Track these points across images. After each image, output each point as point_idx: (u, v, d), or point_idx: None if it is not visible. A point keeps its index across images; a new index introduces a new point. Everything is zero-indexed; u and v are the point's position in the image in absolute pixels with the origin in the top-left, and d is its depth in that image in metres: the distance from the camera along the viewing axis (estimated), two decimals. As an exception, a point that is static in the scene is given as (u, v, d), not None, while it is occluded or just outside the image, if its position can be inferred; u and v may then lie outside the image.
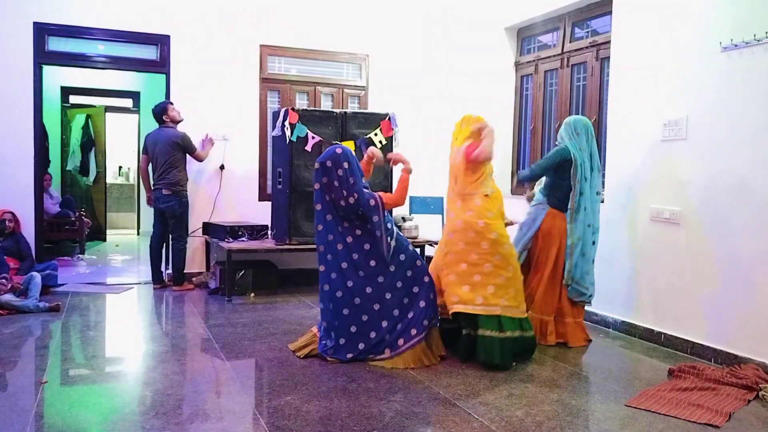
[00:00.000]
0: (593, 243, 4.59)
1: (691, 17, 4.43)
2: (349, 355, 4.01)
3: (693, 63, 4.40)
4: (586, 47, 5.63)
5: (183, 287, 6.33)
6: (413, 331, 4.02)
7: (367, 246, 4.04)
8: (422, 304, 4.07)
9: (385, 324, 4.02)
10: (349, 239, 4.05)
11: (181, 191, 6.26)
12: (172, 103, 6.36)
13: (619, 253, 5.01)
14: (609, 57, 5.19)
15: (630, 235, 4.91)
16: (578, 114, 5.78)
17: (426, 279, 4.13)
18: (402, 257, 4.10)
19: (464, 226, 4.08)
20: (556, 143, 4.75)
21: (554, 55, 6.05)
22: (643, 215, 4.78)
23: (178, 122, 6.31)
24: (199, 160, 6.43)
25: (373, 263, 4.04)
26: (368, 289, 4.02)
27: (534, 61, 6.33)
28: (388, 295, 4.04)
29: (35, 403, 3.26)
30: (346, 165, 3.99)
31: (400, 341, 4.01)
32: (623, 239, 4.97)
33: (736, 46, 4.07)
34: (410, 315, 4.05)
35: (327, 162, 4.01)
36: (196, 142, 6.38)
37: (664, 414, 3.26)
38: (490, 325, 3.96)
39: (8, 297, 5.20)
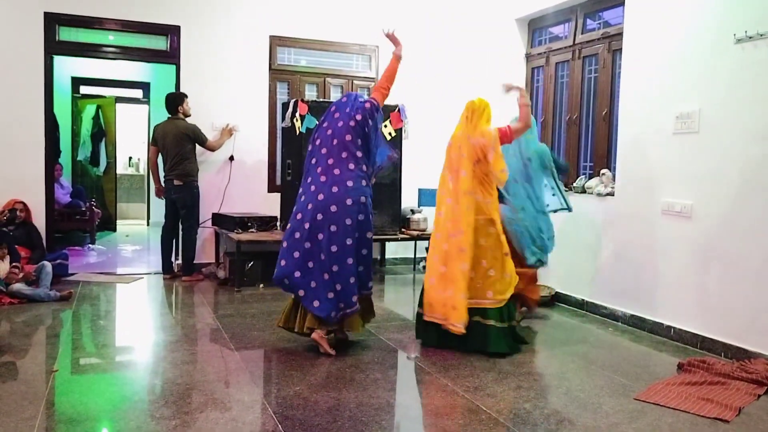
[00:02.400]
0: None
1: (704, 9, 4.38)
2: (286, 282, 3.93)
3: (706, 55, 4.35)
4: (598, 39, 5.59)
5: (193, 277, 6.35)
6: (353, 299, 3.94)
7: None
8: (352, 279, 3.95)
9: (326, 277, 3.88)
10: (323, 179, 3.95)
11: (192, 182, 6.28)
12: (187, 96, 6.36)
13: (629, 247, 4.99)
14: (621, 49, 5.15)
15: (641, 228, 4.88)
16: (591, 106, 5.75)
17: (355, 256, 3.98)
18: (361, 217, 3.92)
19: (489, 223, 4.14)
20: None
21: (566, 47, 6.00)
22: (654, 209, 4.75)
23: (188, 116, 6.32)
24: (212, 150, 6.44)
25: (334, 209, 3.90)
26: (320, 236, 3.88)
27: (545, 52, 6.29)
28: (333, 249, 3.88)
29: (46, 390, 3.29)
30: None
31: (341, 305, 3.91)
32: (634, 233, 4.94)
33: (750, 38, 4.02)
34: (350, 280, 3.92)
35: (342, 98, 4.19)
36: (205, 133, 6.38)
37: (673, 408, 3.25)
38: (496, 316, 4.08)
39: (20, 286, 5.24)
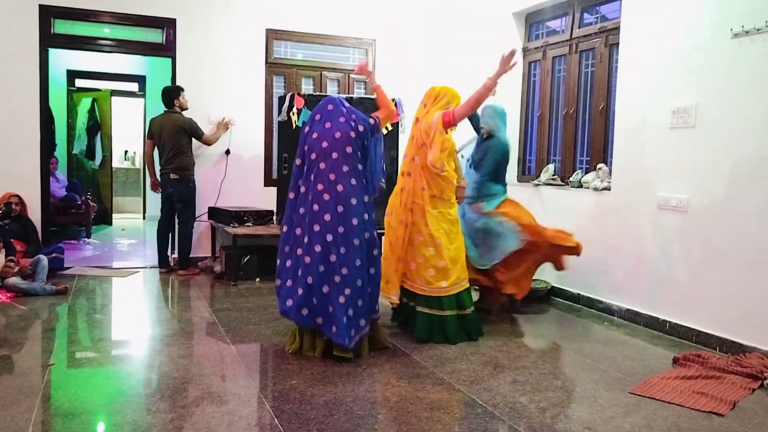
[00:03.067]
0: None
1: (701, 3, 4.38)
2: (289, 302, 3.78)
3: (703, 50, 4.35)
4: (595, 33, 5.58)
5: (189, 271, 6.35)
6: (362, 322, 3.80)
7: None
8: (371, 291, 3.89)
9: (342, 300, 3.71)
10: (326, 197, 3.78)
11: (188, 175, 6.27)
12: (183, 90, 6.34)
13: (625, 241, 5.00)
14: (618, 43, 5.14)
15: (636, 223, 4.89)
16: (588, 100, 5.76)
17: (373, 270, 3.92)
18: (367, 235, 3.84)
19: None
20: (484, 128, 4.95)
21: (563, 41, 5.99)
22: (650, 203, 4.75)
23: (185, 110, 6.31)
24: (208, 144, 6.42)
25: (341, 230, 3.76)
26: (332, 257, 3.72)
27: (542, 47, 6.28)
28: (344, 271, 3.73)
29: (42, 384, 3.29)
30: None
31: (352, 332, 3.73)
32: (629, 227, 4.95)
33: (747, 32, 4.02)
34: (359, 303, 3.78)
35: (328, 105, 3.95)
36: (202, 126, 6.36)
37: (668, 402, 3.26)
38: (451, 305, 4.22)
39: (15, 280, 5.23)
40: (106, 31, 6.51)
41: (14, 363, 3.65)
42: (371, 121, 3.96)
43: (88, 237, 8.57)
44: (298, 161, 3.94)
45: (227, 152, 6.73)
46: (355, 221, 3.75)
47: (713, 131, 4.27)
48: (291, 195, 3.94)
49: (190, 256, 6.40)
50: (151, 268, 6.60)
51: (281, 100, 6.29)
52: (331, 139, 3.80)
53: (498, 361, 3.87)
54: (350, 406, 3.09)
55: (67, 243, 7.67)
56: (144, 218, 10.83)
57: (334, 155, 3.77)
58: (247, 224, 6.18)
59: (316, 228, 3.72)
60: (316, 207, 3.75)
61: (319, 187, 3.76)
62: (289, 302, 3.78)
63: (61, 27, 6.26)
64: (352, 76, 4.46)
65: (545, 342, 4.40)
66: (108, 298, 5.48)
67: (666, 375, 3.66)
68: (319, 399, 3.17)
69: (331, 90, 7.06)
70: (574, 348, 4.27)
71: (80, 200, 8.60)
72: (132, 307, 5.31)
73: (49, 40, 6.20)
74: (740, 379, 3.57)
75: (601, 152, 5.53)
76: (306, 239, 3.77)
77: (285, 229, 3.92)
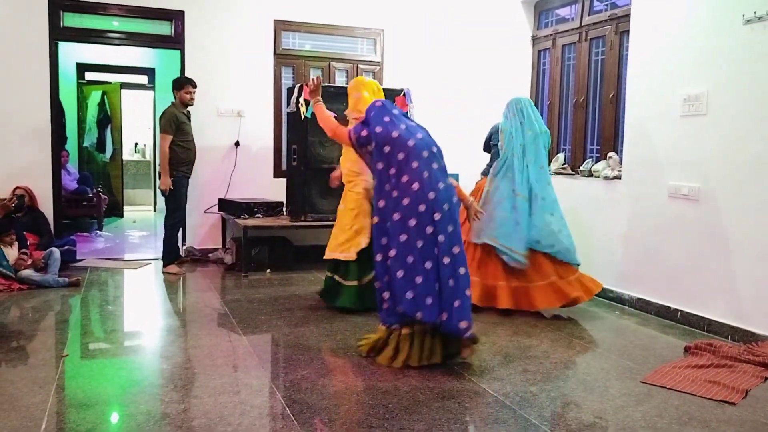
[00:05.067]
0: (514, 207, 4.73)
1: (713, -11, 4.33)
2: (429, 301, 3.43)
3: (714, 36, 4.31)
4: (605, 21, 5.53)
5: (168, 269, 6.04)
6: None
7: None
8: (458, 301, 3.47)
9: (468, 293, 3.48)
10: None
11: (172, 171, 5.97)
12: (192, 84, 6.04)
13: (635, 230, 4.97)
14: (628, 31, 5.10)
15: (647, 211, 4.86)
16: (598, 88, 5.72)
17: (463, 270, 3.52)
18: (450, 228, 3.50)
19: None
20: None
21: (572, 29, 5.95)
22: (661, 192, 4.72)
23: (188, 105, 6.09)
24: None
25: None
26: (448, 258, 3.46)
27: (552, 35, 6.24)
28: (461, 270, 3.47)
29: (56, 375, 3.32)
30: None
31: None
32: (640, 216, 4.93)
33: (759, 18, 3.97)
34: (456, 304, 3.44)
35: (393, 109, 3.79)
36: (210, 117, 6.32)
37: (680, 391, 3.25)
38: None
39: (28, 272, 5.27)
40: (115, 23, 6.51)
41: (28, 354, 3.69)
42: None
43: (100, 229, 8.63)
44: (380, 165, 3.60)
45: (237, 144, 6.74)
46: (455, 199, 3.61)
47: (725, 119, 4.23)
48: (381, 203, 3.60)
49: (199, 248, 6.32)
50: (162, 259, 6.62)
51: (290, 91, 6.28)
52: (416, 139, 3.59)
53: (508, 351, 3.87)
54: (361, 396, 3.10)
55: (79, 235, 7.72)
56: (155, 210, 10.87)
57: (425, 153, 3.57)
58: (257, 216, 6.19)
59: (422, 208, 3.46)
60: (416, 185, 3.49)
61: (415, 186, 3.49)
62: (428, 300, 3.44)
63: (70, 20, 6.27)
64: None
65: (555, 331, 4.39)
66: (120, 289, 5.52)
67: (677, 364, 3.65)
68: (330, 389, 3.18)
69: (340, 80, 7.04)
70: (584, 337, 4.27)
71: (91, 193, 8.65)
72: (144, 299, 5.34)
73: (58, 33, 6.21)
74: (752, 368, 3.56)
75: (611, 141, 5.50)
76: (412, 222, 3.46)
77: (384, 241, 3.57)
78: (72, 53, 9.33)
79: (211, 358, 3.69)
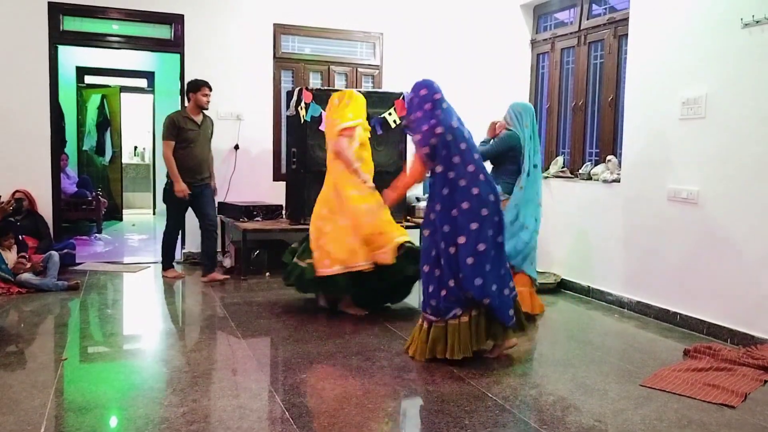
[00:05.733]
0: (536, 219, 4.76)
1: (712, -7, 4.34)
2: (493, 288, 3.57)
3: (713, 40, 4.31)
4: (604, 24, 5.54)
5: (167, 273, 6.03)
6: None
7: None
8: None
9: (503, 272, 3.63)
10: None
11: (168, 177, 5.87)
12: (208, 86, 5.86)
13: (635, 233, 4.98)
14: (627, 34, 5.11)
15: (646, 214, 4.87)
16: (597, 92, 5.72)
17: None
18: (497, 218, 3.64)
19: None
20: (501, 122, 4.90)
21: (571, 33, 5.96)
22: (660, 195, 4.73)
23: (204, 108, 5.89)
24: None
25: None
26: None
27: (550, 38, 6.25)
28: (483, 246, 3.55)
29: (55, 379, 3.32)
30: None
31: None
32: (639, 219, 4.93)
33: (757, 22, 3.98)
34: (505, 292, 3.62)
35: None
36: (214, 120, 6.31)
37: (679, 394, 3.25)
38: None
39: (27, 276, 5.27)
40: (114, 27, 6.52)
41: (27, 358, 3.69)
42: None
43: (99, 233, 8.63)
44: (439, 169, 3.61)
45: (236, 147, 6.74)
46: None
47: (724, 122, 4.24)
48: (438, 207, 3.61)
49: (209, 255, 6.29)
50: (161, 263, 6.61)
51: (289, 94, 6.29)
52: (468, 138, 3.69)
53: (508, 354, 3.86)
54: (361, 399, 3.10)
55: (79, 239, 7.71)
56: (154, 214, 10.88)
57: (476, 155, 3.67)
58: (256, 219, 6.20)
59: (496, 218, 3.61)
60: (491, 197, 3.60)
61: (481, 177, 3.60)
62: (494, 287, 3.56)
63: (69, 24, 6.28)
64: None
65: (555, 334, 4.39)
66: (119, 293, 5.51)
67: (677, 367, 3.65)
68: (330, 393, 3.18)
69: (339, 84, 7.05)
70: (584, 340, 4.27)
71: (91, 196, 8.65)
72: (143, 302, 5.34)
73: (58, 37, 6.22)
74: (752, 371, 3.56)
75: (610, 144, 5.50)
76: (485, 211, 3.55)
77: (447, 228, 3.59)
78: (71, 57, 9.34)
79: (210, 361, 3.68)
